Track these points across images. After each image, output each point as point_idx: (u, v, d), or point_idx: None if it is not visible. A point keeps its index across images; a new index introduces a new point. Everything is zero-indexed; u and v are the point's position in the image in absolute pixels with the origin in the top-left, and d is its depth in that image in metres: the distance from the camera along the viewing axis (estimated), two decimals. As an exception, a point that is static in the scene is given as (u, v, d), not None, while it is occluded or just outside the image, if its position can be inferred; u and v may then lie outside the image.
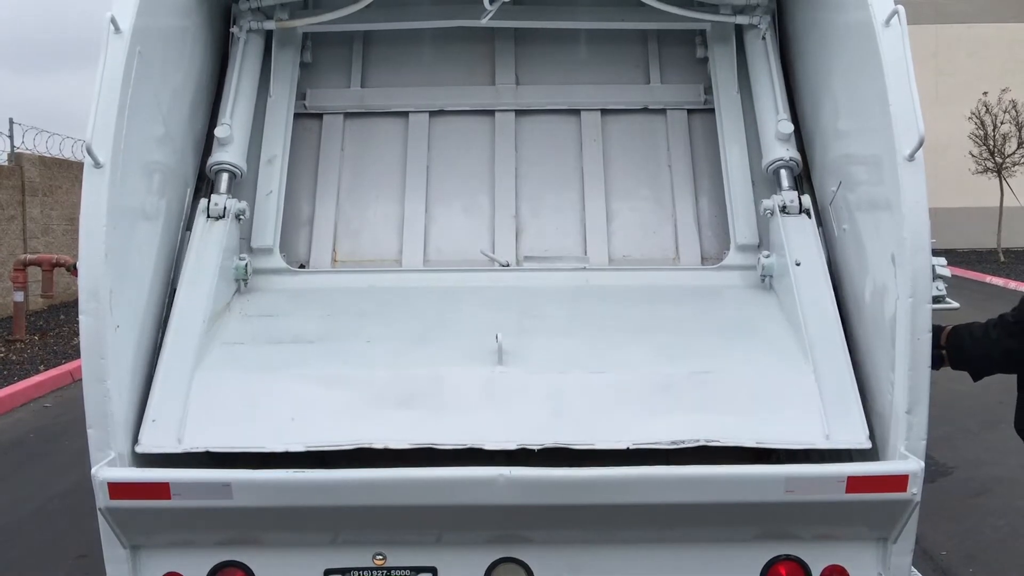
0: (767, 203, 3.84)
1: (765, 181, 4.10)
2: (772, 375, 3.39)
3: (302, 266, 4.10)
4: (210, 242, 3.73)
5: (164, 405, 3.29)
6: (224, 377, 3.40)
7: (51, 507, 6.65)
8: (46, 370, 11.06)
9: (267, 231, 3.99)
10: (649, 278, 3.97)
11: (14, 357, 11.90)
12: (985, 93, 24.33)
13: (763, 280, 3.81)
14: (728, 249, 4.03)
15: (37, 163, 16.23)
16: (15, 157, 15.97)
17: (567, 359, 3.43)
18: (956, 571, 5.42)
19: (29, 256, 13.47)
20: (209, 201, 3.82)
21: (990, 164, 24.56)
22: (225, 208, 3.81)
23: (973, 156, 24.76)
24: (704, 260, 4.12)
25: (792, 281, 3.59)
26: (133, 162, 3.41)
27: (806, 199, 3.83)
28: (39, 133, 16.37)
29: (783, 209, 3.79)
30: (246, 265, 3.82)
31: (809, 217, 3.79)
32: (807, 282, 3.59)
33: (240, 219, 3.87)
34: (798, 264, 3.62)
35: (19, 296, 12.94)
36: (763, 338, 3.57)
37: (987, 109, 24.42)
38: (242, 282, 3.84)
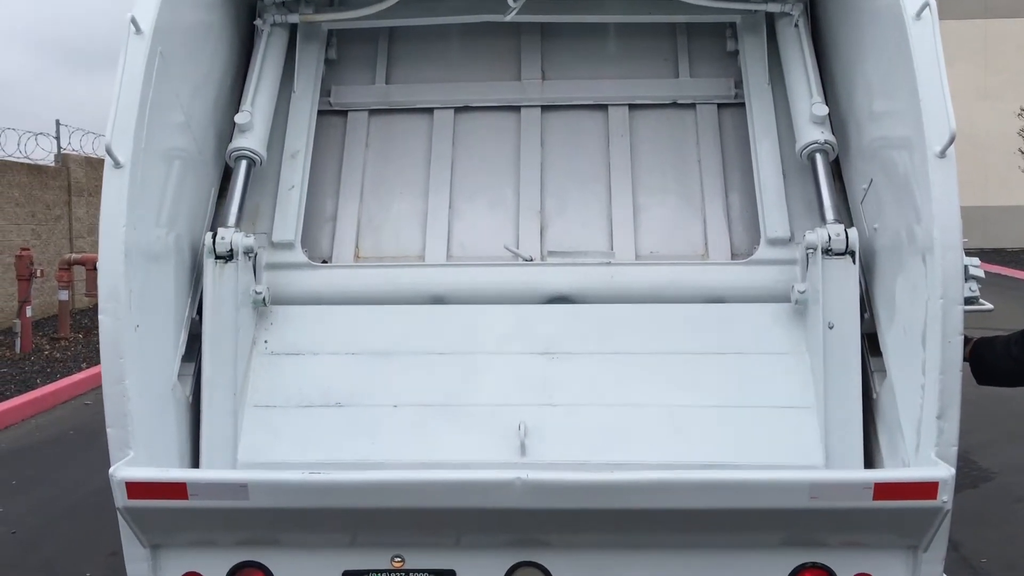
0: (811, 238, 3.59)
1: (798, 171, 4.00)
2: (784, 465, 3.40)
3: (324, 262, 4.08)
4: (224, 294, 3.65)
5: None
6: (264, 466, 3.49)
7: (87, 504, 6.72)
8: (88, 368, 11.22)
9: (288, 226, 3.96)
10: (676, 274, 3.88)
11: (58, 355, 12.09)
12: (1035, 88, 23.83)
13: (795, 303, 3.67)
14: (758, 244, 3.93)
15: (83, 164, 16.48)
16: (61, 158, 16.23)
17: (588, 447, 3.46)
18: (996, 579, 5.29)
19: (74, 256, 13.67)
20: (215, 236, 3.67)
21: (1040, 161, 24.04)
22: (232, 246, 3.66)
23: (1023, 153, 24.26)
24: (734, 256, 4.02)
25: (822, 343, 3.54)
26: (154, 162, 3.41)
27: (853, 234, 3.57)
28: (85, 134, 16.66)
29: (827, 251, 3.57)
30: (264, 299, 3.75)
31: (853, 262, 3.57)
32: (838, 348, 3.54)
33: (250, 256, 3.72)
34: (831, 327, 3.55)
35: (64, 295, 13.16)
36: (781, 403, 3.54)
37: (1037, 105, 23.90)
38: (261, 305, 3.77)
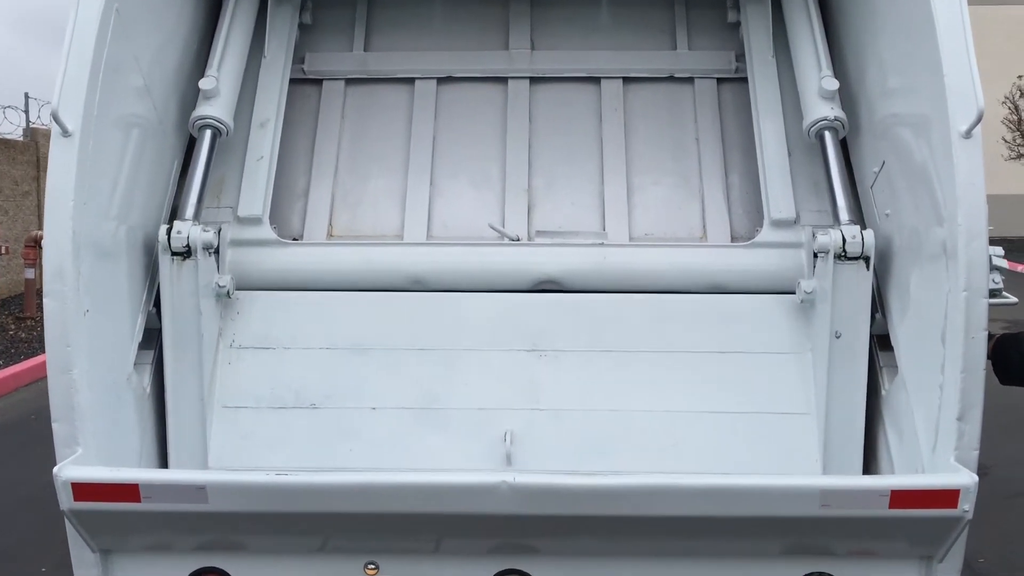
0: (823, 240, 3.35)
1: (803, 149, 3.78)
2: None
3: (295, 239, 3.80)
4: (182, 292, 3.39)
5: None
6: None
7: (47, 492, 6.33)
8: (54, 349, 10.88)
9: (256, 200, 3.69)
10: (672, 257, 3.67)
11: (23, 335, 11.77)
12: (1020, 76, 23.78)
13: (800, 302, 3.46)
14: (760, 227, 3.70)
15: (52, 138, 16.07)
16: (30, 132, 15.88)
17: (576, 457, 3.31)
18: (995, 579, 5.11)
19: (40, 233, 13.30)
20: (171, 231, 3.37)
21: (1024, 150, 24.06)
22: (189, 242, 3.36)
23: (1007, 142, 24.25)
24: (734, 240, 3.81)
25: (827, 348, 3.36)
26: (108, 131, 3.14)
27: (869, 237, 3.32)
28: (55, 108, 16.23)
29: (839, 256, 3.33)
30: (228, 291, 3.49)
31: (867, 267, 3.34)
32: (843, 359, 3.36)
33: (210, 252, 3.43)
34: (838, 336, 3.35)
35: (30, 273, 12.82)
36: (781, 409, 3.39)
37: (1021, 93, 23.89)
38: (227, 294, 3.51)
